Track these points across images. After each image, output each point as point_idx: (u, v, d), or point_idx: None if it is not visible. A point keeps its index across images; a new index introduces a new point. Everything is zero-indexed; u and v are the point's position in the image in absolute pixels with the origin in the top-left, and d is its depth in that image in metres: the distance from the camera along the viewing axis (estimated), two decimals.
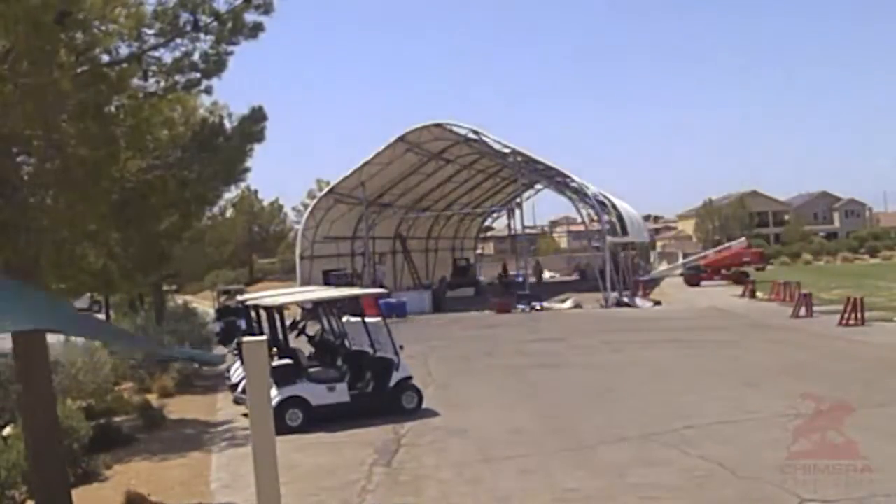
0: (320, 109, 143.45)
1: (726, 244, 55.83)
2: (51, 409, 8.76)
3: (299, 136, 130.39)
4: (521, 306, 35.68)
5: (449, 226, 56.97)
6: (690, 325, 26.93)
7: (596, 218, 40.26)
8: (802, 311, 26.77)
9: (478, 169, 50.07)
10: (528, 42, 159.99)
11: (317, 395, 14.04)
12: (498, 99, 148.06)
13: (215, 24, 8.17)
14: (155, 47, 8.09)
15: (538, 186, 49.52)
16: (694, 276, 46.60)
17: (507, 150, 41.44)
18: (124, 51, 7.92)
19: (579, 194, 41.76)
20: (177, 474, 11.54)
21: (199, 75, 8.40)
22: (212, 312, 32.15)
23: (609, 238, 38.66)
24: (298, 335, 17.19)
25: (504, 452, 11.34)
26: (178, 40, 8.13)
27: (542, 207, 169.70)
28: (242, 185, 27.24)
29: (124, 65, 7.80)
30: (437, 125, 41.24)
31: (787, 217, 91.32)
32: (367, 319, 15.41)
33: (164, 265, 10.39)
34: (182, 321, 22.67)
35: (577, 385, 16.55)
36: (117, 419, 14.44)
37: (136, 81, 8.06)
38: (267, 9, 8.35)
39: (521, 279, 41.97)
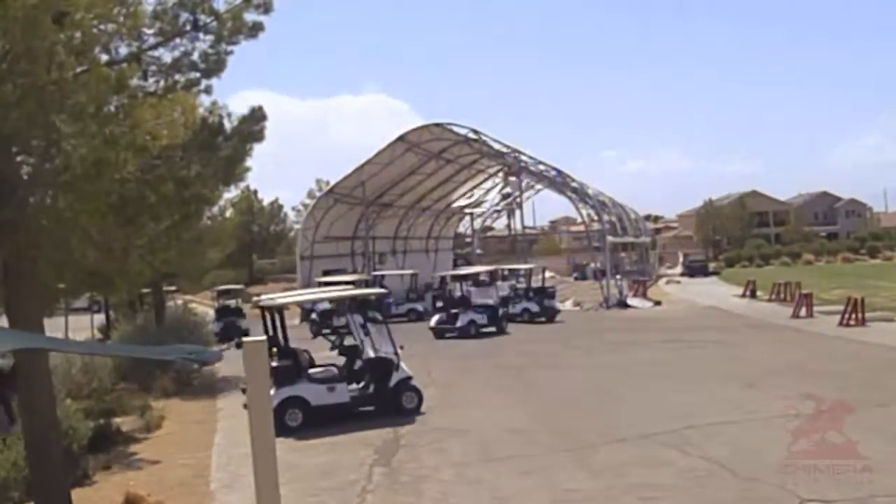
0: (320, 108, 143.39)
1: None
2: (51, 409, 8.74)
3: (299, 135, 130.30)
4: None
5: (449, 226, 56.98)
6: (690, 324, 26.96)
7: (596, 218, 40.28)
8: (803, 311, 26.78)
9: (478, 169, 50.07)
10: (527, 41, 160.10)
11: (316, 395, 14.03)
12: (498, 99, 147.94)
13: (215, 23, 8.16)
14: (154, 47, 8.08)
15: (538, 186, 49.53)
16: None
17: (506, 150, 41.45)
18: (123, 50, 7.91)
19: (579, 194, 41.77)
20: (177, 474, 11.51)
21: (198, 75, 8.38)
22: (211, 313, 32.30)
23: (609, 238, 38.67)
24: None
25: (504, 453, 11.33)
26: (178, 40, 8.11)
27: (542, 207, 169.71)
28: (242, 184, 27.19)
29: (123, 64, 7.78)
30: (437, 125, 41.28)
31: (788, 217, 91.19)
32: None
33: (163, 265, 10.35)
34: (181, 322, 22.64)
35: (576, 385, 16.55)
36: (117, 420, 14.42)
37: (135, 81, 8.04)
38: (266, 8, 8.34)
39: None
